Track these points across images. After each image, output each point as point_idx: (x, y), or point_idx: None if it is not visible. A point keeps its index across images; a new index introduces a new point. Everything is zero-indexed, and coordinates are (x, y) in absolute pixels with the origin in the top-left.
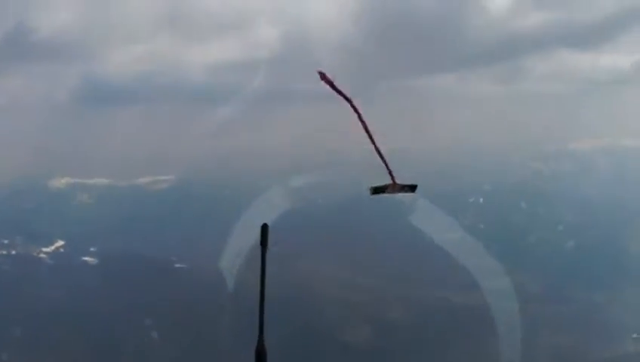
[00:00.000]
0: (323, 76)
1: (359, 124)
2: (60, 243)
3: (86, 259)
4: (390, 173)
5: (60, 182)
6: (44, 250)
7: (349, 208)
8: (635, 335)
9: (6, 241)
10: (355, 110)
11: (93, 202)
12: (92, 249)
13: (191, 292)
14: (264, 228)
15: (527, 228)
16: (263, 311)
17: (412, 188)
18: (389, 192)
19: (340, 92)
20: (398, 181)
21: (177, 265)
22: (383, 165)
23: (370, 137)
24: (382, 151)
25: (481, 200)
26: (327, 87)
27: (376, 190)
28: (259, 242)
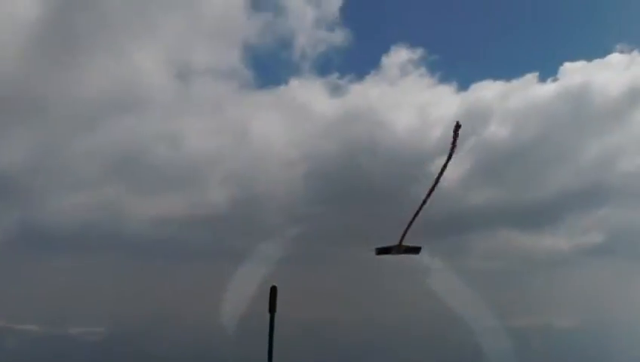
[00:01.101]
0: (457, 129)
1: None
2: None
3: None
4: (404, 234)
5: None
6: None
7: None
8: None
9: None
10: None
11: (21, 349)
12: None
13: None
14: (273, 291)
15: None
16: None
17: (416, 250)
18: (394, 253)
19: (453, 147)
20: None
21: None
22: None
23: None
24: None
25: None
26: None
27: (381, 251)
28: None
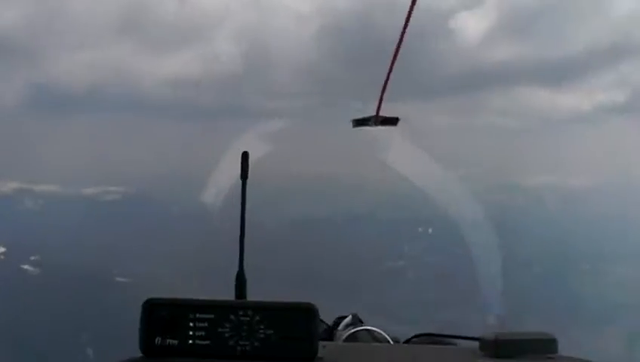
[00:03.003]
0: None
1: None
2: (1, 249)
3: (25, 267)
4: (379, 104)
5: (7, 187)
6: None
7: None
8: None
9: None
10: None
11: (39, 209)
12: (33, 258)
13: (129, 307)
14: (244, 156)
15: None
16: (243, 243)
17: (394, 121)
18: (371, 125)
19: None
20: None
21: (118, 279)
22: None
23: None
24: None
25: (430, 230)
26: None
27: (359, 122)
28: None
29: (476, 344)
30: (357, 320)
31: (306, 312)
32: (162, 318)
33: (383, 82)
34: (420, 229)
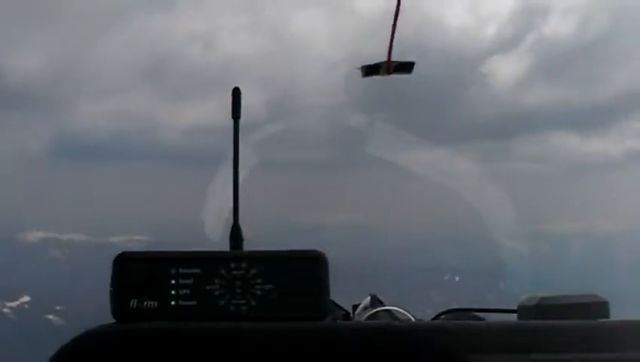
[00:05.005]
0: None
1: None
2: (26, 299)
3: (50, 317)
4: (390, 47)
5: (34, 236)
6: (9, 304)
7: None
8: None
9: None
10: None
11: (65, 259)
12: (58, 308)
13: None
14: (235, 92)
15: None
16: (237, 191)
17: (409, 67)
18: (382, 73)
19: None
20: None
21: None
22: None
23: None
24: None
25: (457, 278)
26: None
27: (369, 70)
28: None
29: (514, 317)
30: (376, 302)
31: (314, 261)
32: (138, 276)
33: (392, 24)
34: (446, 277)
